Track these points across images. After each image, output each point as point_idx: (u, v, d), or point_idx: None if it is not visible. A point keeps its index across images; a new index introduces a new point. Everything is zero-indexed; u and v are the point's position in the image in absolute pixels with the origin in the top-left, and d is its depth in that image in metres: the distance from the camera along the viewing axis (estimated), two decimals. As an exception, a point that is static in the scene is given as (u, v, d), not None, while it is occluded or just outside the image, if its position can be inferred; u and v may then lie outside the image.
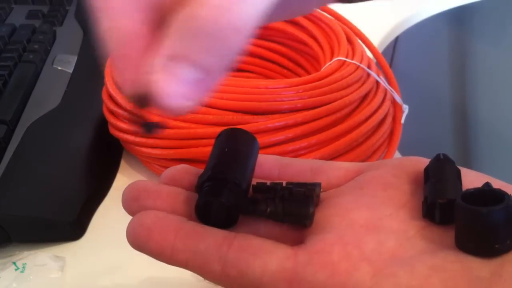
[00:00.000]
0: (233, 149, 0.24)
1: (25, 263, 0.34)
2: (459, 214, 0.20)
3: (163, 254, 0.22)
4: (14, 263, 0.34)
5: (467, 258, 0.19)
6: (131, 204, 0.24)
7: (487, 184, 0.20)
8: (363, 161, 0.41)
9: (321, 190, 0.25)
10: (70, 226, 0.37)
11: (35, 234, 0.37)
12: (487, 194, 0.20)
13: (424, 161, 0.24)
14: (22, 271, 0.34)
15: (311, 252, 0.20)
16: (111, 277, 0.35)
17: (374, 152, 0.42)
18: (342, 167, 0.26)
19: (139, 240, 0.22)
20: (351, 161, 0.40)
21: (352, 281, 0.19)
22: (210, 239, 0.21)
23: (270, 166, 0.26)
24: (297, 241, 0.22)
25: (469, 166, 0.23)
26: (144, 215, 0.22)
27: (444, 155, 0.23)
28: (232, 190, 0.22)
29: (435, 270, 0.19)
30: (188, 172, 0.26)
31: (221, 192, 0.22)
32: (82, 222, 0.38)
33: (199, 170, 0.25)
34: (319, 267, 0.20)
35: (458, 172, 0.22)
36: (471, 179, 0.22)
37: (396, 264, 0.19)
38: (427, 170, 0.23)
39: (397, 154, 0.45)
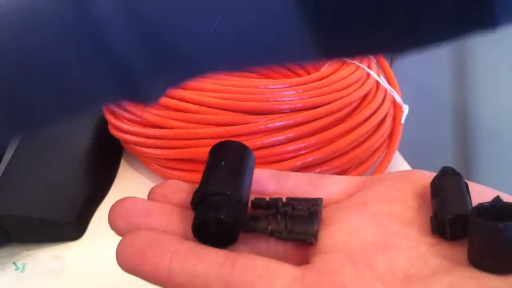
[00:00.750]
0: (229, 162, 0.23)
1: (25, 263, 0.34)
2: (473, 230, 0.19)
3: (159, 277, 0.20)
4: (14, 263, 0.34)
5: (483, 276, 0.18)
6: (120, 223, 0.22)
7: (498, 198, 0.20)
8: (363, 161, 0.41)
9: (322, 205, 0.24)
10: (70, 226, 0.37)
11: (35, 234, 0.37)
12: (499, 208, 0.19)
13: (427, 174, 0.23)
14: (22, 271, 0.34)
15: (320, 272, 0.19)
16: (111, 277, 0.35)
17: (374, 152, 0.42)
18: (342, 182, 0.25)
19: (131, 263, 0.21)
20: (351, 161, 0.40)
21: None
22: (210, 260, 0.20)
23: (266, 180, 0.25)
24: (302, 260, 0.21)
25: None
26: (136, 235, 0.21)
27: (451, 168, 0.22)
28: (231, 206, 0.21)
29: None
30: (179, 188, 0.24)
31: (220, 208, 0.21)
32: (82, 222, 0.38)
33: (190, 185, 0.24)
34: None
35: (466, 185, 0.22)
36: (478, 192, 0.21)
37: (411, 284, 0.19)
38: (434, 184, 0.22)
39: (397, 154, 0.44)
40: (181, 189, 0.24)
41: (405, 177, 0.24)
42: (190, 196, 0.22)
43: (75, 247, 0.37)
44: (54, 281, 0.34)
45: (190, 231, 0.21)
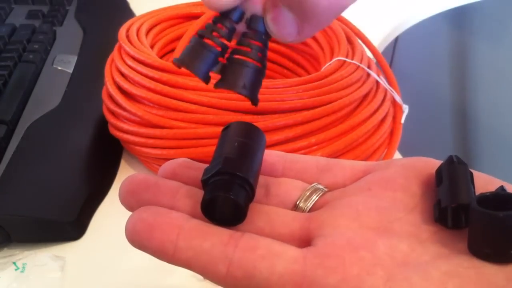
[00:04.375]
0: (243, 143, 0.23)
1: (25, 263, 0.34)
2: (474, 219, 0.19)
3: (165, 253, 0.21)
4: (14, 263, 0.34)
5: (482, 264, 0.18)
6: (129, 198, 0.23)
7: (501, 188, 0.20)
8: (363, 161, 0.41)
9: (328, 189, 0.24)
10: (70, 226, 0.37)
11: (35, 234, 0.37)
12: (502, 198, 0.19)
13: (434, 162, 0.23)
14: (22, 271, 0.34)
15: (321, 255, 0.20)
16: (111, 277, 0.35)
17: (374, 152, 0.42)
18: (348, 166, 0.25)
19: (139, 238, 0.21)
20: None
21: (365, 286, 0.19)
22: (215, 238, 0.20)
23: (273, 162, 0.26)
24: (304, 242, 0.21)
25: (469, 166, 0.22)
26: (144, 210, 0.21)
27: (456, 157, 0.22)
28: (242, 186, 0.21)
29: (450, 276, 0.18)
30: (188, 166, 0.25)
31: (230, 187, 0.21)
32: (82, 222, 0.38)
33: (200, 164, 0.25)
34: (330, 271, 0.19)
35: (471, 175, 0.22)
36: (483, 183, 0.22)
37: (410, 269, 0.19)
38: (439, 172, 0.22)
39: (397, 154, 0.44)
40: (191, 167, 0.25)
41: (411, 164, 0.24)
42: (199, 174, 0.22)
43: (75, 247, 0.37)
44: (54, 281, 0.34)
45: (197, 209, 0.21)
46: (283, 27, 0.21)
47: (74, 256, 0.36)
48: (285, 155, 0.26)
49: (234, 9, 0.21)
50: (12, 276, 0.34)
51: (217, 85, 0.22)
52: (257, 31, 0.22)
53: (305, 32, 0.21)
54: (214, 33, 0.22)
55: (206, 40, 0.22)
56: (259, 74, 0.22)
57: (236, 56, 0.22)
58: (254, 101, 0.22)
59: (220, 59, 0.22)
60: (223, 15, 0.22)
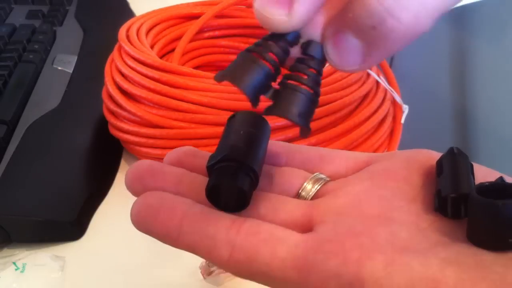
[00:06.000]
0: (248, 132, 0.24)
1: (25, 263, 0.34)
2: (473, 207, 0.19)
3: (169, 236, 0.21)
4: (14, 263, 0.34)
5: (480, 252, 0.19)
6: (135, 184, 0.23)
7: (501, 179, 0.20)
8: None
9: (330, 179, 0.24)
10: (70, 226, 0.37)
11: (35, 234, 0.37)
12: (501, 188, 0.20)
13: (435, 155, 0.24)
14: (22, 271, 0.34)
15: (323, 240, 0.20)
16: (111, 277, 0.35)
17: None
18: (351, 156, 0.26)
19: (144, 221, 0.21)
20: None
21: (365, 270, 0.19)
22: (218, 223, 0.21)
23: (277, 151, 0.26)
24: (306, 228, 0.22)
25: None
26: (149, 195, 0.22)
27: (457, 148, 0.23)
28: (246, 174, 0.22)
29: (449, 263, 0.18)
30: (193, 154, 0.25)
31: (234, 174, 0.21)
32: (82, 222, 0.38)
33: (204, 152, 0.25)
34: (330, 255, 0.20)
35: (471, 166, 0.22)
36: (483, 174, 0.22)
37: (409, 255, 0.19)
38: (440, 163, 0.23)
39: (397, 154, 0.45)
40: (196, 155, 0.25)
41: (413, 156, 0.24)
42: (204, 162, 0.23)
43: (75, 247, 0.37)
44: (54, 281, 0.34)
45: (201, 195, 0.22)
46: (347, 55, 0.20)
47: (74, 256, 0.36)
48: (289, 145, 0.27)
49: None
50: (12, 276, 0.34)
51: (267, 111, 0.20)
52: (314, 57, 0.20)
53: (372, 60, 0.20)
54: (266, 51, 0.19)
55: (256, 56, 0.19)
56: (313, 104, 0.21)
57: (291, 82, 0.20)
58: (307, 132, 0.21)
59: (272, 83, 0.20)
60: (277, 35, 0.19)
